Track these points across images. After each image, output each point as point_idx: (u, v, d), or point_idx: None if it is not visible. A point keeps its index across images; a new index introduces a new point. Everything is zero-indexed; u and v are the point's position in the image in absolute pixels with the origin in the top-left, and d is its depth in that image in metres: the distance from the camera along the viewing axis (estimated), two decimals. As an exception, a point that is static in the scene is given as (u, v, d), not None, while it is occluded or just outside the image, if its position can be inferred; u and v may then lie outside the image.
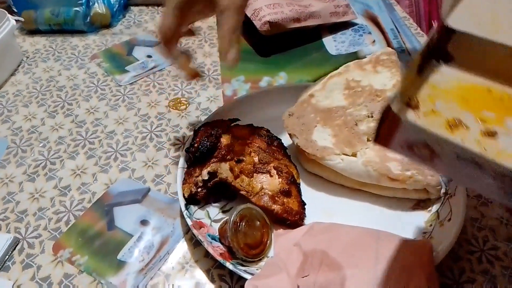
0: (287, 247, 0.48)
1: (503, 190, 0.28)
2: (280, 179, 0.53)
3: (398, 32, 0.88)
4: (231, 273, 0.48)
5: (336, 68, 0.64)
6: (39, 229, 0.54)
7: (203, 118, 0.68)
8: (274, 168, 0.54)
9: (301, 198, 0.53)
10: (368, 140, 0.55)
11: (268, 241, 0.49)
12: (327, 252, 0.45)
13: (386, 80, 0.61)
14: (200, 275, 0.49)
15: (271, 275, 0.44)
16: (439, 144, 0.29)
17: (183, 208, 0.51)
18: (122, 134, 0.66)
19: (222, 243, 0.49)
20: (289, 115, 0.60)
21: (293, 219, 0.51)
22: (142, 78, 0.77)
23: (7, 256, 0.51)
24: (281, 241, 0.49)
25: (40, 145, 0.65)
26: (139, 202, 0.57)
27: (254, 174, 0.53)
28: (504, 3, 0.30)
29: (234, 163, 0.53)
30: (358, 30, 0.88)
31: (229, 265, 0.46)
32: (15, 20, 0.78)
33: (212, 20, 0.91)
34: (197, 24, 0.90)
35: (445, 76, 0.30)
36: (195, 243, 0.52)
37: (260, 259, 0.49)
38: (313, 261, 0.45)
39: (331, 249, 0.45)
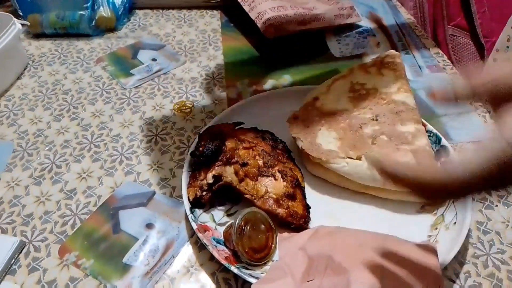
0: (292, 250, 0.48)
1: None
2: (285, 183, 0.53)
3: (403, 34, 0.87)
4: (236, 276, 0.48)
5: (341, 71, 0.64)
6: (45, 232, 0.54)
7: (207, 121, 0.68)
8: (279, 171, 0.54)
9: (305, 202, 0.53)
10: (373, 143, 0.55)
11: (273, 245, 0.49)
12: (332, 256, 0.45)
13: (391, 82, 0.61)
14: (205, 278, 0.49)
15: (276, 279, 0.44)
16: None
17: (188, 212, 0.51)
18: (127, 137, 0.67)
19: (227, 247, 0.50)
20: (294, 118, 0.60)
21: (297, 222, 0.51)
22: (147, 81, 0.77)
23: (13, 260, 0.51)
24: (286, 244, 0.49)
25: (46, 148, 0.65)
26: (144, 206, 0.57)
27: (259, 177, 0.53)
28: None
29: (239, 166, 0.53)
30: (363, 32, 0.88)
31: (234, 268, 0.46)
32: (21, 24, 0.78)
33: (216, 23, 0.92)
34: (201, 27, 0.90)
35: None
36: (200, 246, 0.52)
37: (265, 263, 0.49)
38: (318, 265, 0.44)
39: (336, 253, 0.45)
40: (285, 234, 0.51)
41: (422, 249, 0.46)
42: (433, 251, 0.45)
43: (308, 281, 0.43)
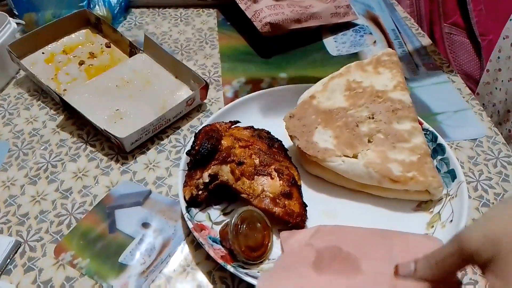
0: (298, 247, 0.47)
1: None
2: (281, 181, 0.53)
3: (399, 32, 0.87)
4: (232, 275, 0.48)
5: (337, 69, 0.64)
6: (41, 232, 0.54)
7: (204, 120, 0.67)
8: (275, 170, 0.54)
9: (302, 200, 0.53)
10: (369, 141, 0.55)
11: (269, 244, 0.49)
12: (340, 247, 0.44)
13: (387, 81, 0.60)
14: (201, 277, 0.49)
15: (283, 275, 0.43)
16: None
17: (184, 211, 0.51)
18: (123, 136, 0.66)
19: (223, 246, 0.49)
20: (290, 116, 0.59)
21: (294, 221, 0.51)
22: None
23: (8, 260, 0.51)
24: (290, 242, 0.48)
25: (42, 148, 0.65)
26: (140, 205, 0.57)
27: (255, 176, 0.53)
28: None
29: (235, 165, 0.53)
30: (359, 30, 0.88)
31: (230, 267, 0.46)
32: (16, 23, 0.78)
33: (213, 21, 0.91)
34: (198, 26, 0.90)
35: None
36: (196, 245, 0.52)
37: (261, 262, 0.48)
38: (327, 256, 0.44)
39: (343, 245, 0.44)
40: (286, 233, 0.50)
41: (428, 241, 0.46)
42: (438, 244, 0.45)
43: (317, 274, 0.42)
